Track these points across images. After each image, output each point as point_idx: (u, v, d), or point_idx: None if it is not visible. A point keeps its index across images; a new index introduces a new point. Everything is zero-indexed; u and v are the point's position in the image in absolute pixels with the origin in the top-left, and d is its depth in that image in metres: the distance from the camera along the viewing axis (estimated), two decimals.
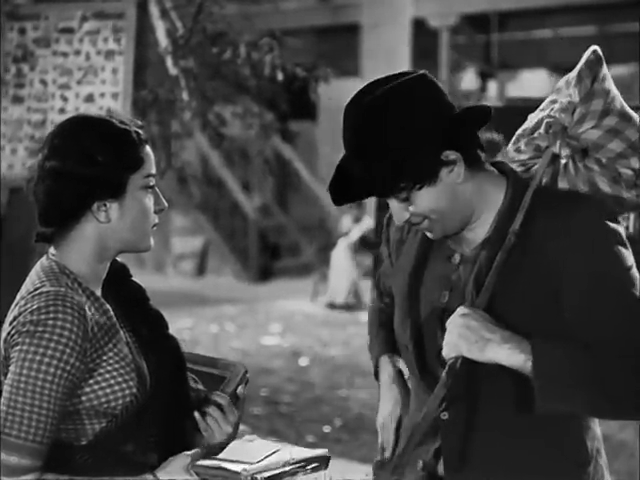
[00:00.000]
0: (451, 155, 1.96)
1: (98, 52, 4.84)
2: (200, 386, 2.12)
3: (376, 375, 2.35)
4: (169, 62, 5.52)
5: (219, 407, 2.05)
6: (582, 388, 1.91)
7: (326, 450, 2.15)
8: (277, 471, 2.04)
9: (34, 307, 1.88)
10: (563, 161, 2.08)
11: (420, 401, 2.12)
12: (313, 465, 2.11)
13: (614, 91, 2.09)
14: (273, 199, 16.11)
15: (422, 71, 2.01)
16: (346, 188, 2.01)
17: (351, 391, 7.60)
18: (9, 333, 1.90)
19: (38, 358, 1.85)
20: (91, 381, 1.91)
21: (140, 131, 2.00)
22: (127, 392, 1.93)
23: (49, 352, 1.85)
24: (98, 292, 2.00)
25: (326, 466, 2.14)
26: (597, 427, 2.12)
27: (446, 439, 2.05)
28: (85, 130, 1.97)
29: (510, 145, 2.15)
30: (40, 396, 1.85)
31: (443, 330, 1.98)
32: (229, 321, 10.93)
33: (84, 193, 1.94)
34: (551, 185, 2.10)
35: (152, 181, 2.00)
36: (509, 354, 1.91)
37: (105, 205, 1.95)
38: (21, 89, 4.99)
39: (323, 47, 15.44)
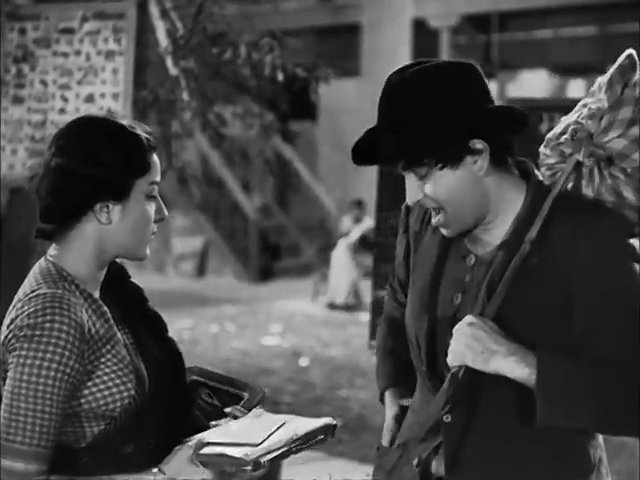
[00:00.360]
0: (478, 144, 1.96)
1: (98, 52, 4.84)
2: (215, 401, 2.12)
3: (381, 399, 2.35)
4: (169, 62, 5.52)
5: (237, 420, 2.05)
6: (585, 405, 1.90)
7: (331, 418, 2.12)
8: (280, 451, 2.02)
9: (31, 310, 1.88)
10: (587, 169, 2.05)
11: (424, 399, 2.11)
12: (318, 438, 2.08)
13: None
14: (273, 199, 16.11)
15: (472, 62, 2.02)
16: (370, 150, 2.01)
17: (351, 391, 7.60)
18: (7, 337, 1.90)
19: (38, 362, 1.85)
20: (89, 383, 1.91)
21: (150, 137, 2.00)
22: (125, 394, 1.92)
23: (48, 356, 1.85)
24: (96, 294, 2.00)
25: (333, 434, 2.11)
26: (599, 435, 2.11)
27: (448, 442, 2.04)
28: (95, 131, 1.97)
29: (541, 147, 2.13)
30: (42, 400, 1.84)
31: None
32: (229, 321, 10.93)
33: (88, 192, 1.94)
34: (575, 192, 2.07)
35: (156, 189, 2.00)
36: (514, 367, 1.90)
37: (107, 207, 1.95)
38: (21, 89, 4.99)
39: (323, 47, 15.44)
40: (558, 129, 2.11)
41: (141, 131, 1.99)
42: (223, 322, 10.85)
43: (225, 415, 2.06)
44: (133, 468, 1.93)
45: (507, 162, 2.03)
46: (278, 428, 2.05)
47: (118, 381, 1.92)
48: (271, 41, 5.60)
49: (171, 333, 2.13)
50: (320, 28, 15.98)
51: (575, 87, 15.83)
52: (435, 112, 1.94)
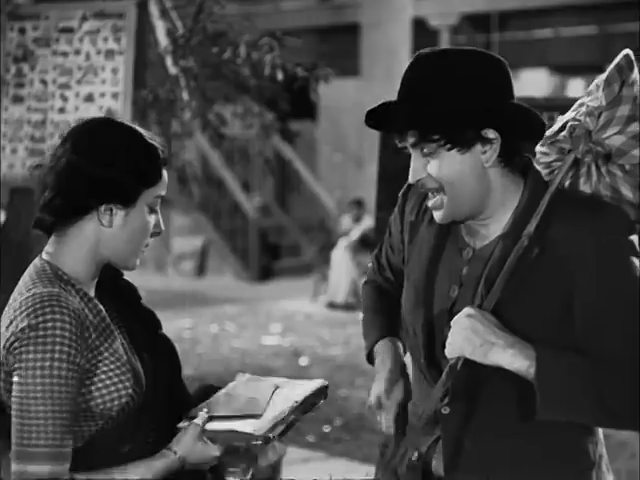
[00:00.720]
0: (491, 134, 1.96)
1: (98, 52, 4.84)
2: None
3: (369, 359, 2.30)
4: (169, 62, 5.52)
5: None
6: (584, 399, 1.91)
7: (322, 380, 2.13)
8: (286, 423, 2.03)
9: (29, 310, 1.88)
10: (586, 165, 2.06)
11: (422, 392, 2.11)
12: (316, 402, 2.10)
13: None
14: (273, 199, 16.11)
15: (502, 58, 2.03)
16: (385, 116, 2.01)
17: (351, 391, 7.60)
18: (8, 339, 1.89)
19: (48, 364, 1.85)
20: (87, 382, 1.90)
21: (165, 151, 2.02)
22: (123, 392, 1.92)
23: (56, 355, 1.85)
24: (91, 293, 2.00)
25: (326, 395, 2.12)
26: (600, 431, 2.11)
27: (446, 434, 2.04)
28: (115, 134, 1.99)
29: (537, 146, 2.13)
30: (59, 400, 1.84)
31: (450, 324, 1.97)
32: (229, 321, 10.93)
33: (96, 192, 1.95)
34: (572, 189, 2.08)
35: (158, 202, 2.02)
36: (513, 359, 1.90)
37: (112, 210, 1.96)
38: (21, 89, 4.99)
39: (323, 47, 15.44)
40: (555, 127, 2.12)
41: (157, 143, 2.01)
42: (223, 322, 10.85)
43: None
44: None
45: (514, 160, 2.03)
46: (273, 393, 2.06)
47: (116, 379, 1.92)
48: (271, 41, 5.60)
49: (171, 333, 2.13)
50: (320, 28, 15.97)
51: (575, 86, 15.83)
52: (458, 91, 1.95)
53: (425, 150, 1.99)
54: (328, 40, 15.94)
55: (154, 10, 5.54)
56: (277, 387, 2.10)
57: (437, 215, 2.05)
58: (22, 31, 5.02)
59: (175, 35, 5.60)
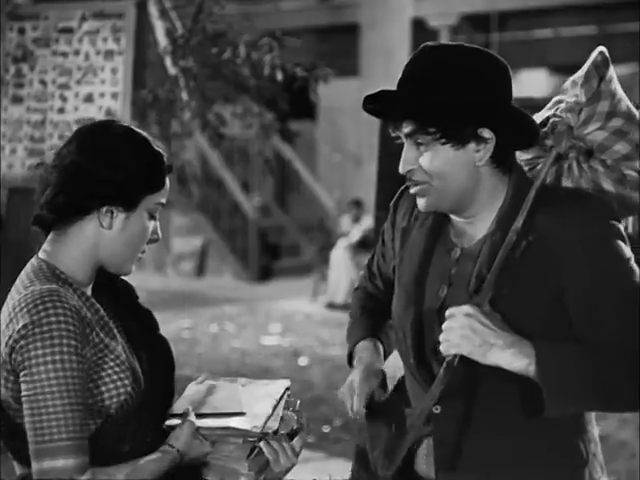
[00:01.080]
0: (486, 133, 1.97)
1: (97, 52, 4.84)
2: None
3: (349, 361, 2.29)
4: (168, 62, 5.52)
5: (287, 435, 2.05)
6: (589, 388, 1.91)
7: (287, 380, 2.14)
8: (278, 419, 2.04)
9: (29, 306, 1.88)
10: (567, 162, 2.08)
11: (414, 395, 2.11)
12: (287, 398, 2.11)
13: (620, 93, 2.09)
14: (273, 199, 16.10)
15: (505, 61, 2.05)
16: (383, 103, 2.02)
17: None
18: (10, 337, 1.89)
19: (58, 357, 1.85)
20: (89, 379, 1.91)
21: (170, 159, 2.04)
22: (122, 390, 1.93)
23: (64, 349, 1.85)
24: (89, 292, 2.00)
25: (289, 395, 2.13)
26: (594, 429, 2.12)
27: (438, 433, 2.04)
28: (121, 137, 2.00)
29: None
30: (74, 392, 1.85)
31: (440, 324, 1.97)
32: (229, 321, 10.93)
33: (99, 193, 1.95)
34: (555, 184, 2.10)
35: (159, 209, 2.03)
36: (512, 360, 1.91)
37: (112, 212, 1.97)
38: (21, 89, 4.99)
39: (323, 47, 15.43)
40: None
41: (163, 150, 2.02)
42: (222, 322, 10.85)
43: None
44: None
45: (505, 162, 2.04)
46: (241, 392, 2.07)
47: (115, 377, 1.93)
48: (270, 41, 5.60)
49: (170, 333, 2.13)
50: (319, 28, 15.96)
51: None
52: (459, 86, 1.96)
53: (419, 141, 1.99)
54: (327, 40, 15.93)
55: (153, 10, 5.54)
56: (242, 384, 2.12)
57: (420, 202, 2.06)
58: (21, 31, 5.02)
59: (174, 35, 5.60)
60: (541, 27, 15.47)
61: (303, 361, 8.79)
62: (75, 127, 2.08)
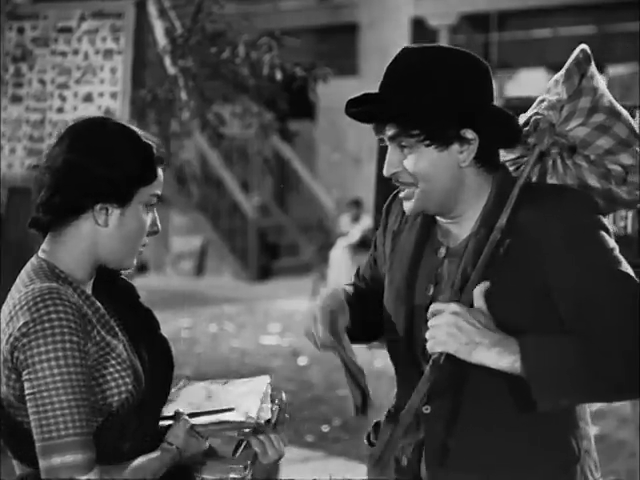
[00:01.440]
0: (469, 134, 1.98)
1: (97, 51, 4.84)
2: None
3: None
4: (168, 61, 5.52)
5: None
6: (579, 378, 1.90)
7: (267, 376, 2.15)
8: (270, 412, 2.05)
9: (30, 304, 1.88)
10: (551, 159, 2.09)
11: (404, 393, 2.11)
12: (271, 392, 2.12)
13: (602, 88, 2.10)
14: (272, 199, 16.10)
15: (486, 62, 2.06)
16: (365, 106, 2.03)
17: None
18: (11, 335, 1.89)
19: (61, 354, 1.85)
20: (91, 376, 1.91)
21: (161, 150, 2.03)
22: (123, 389, 1.93)
23: (67, 345, 1.85)
24: (89, 291, 2.01)
25: (272, 390, 2.14)
26: (589, 427, 2.12)
27: (428, 433, 2.05)
28: (110, 133, 2.00)
29: None
30: (79, 388, 1.85)
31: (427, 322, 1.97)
32: (228, 321, 10.93)
33: (92, 191, 1.95)
34: (540, 182, 2.11)
35: (154, 201, 2.03)
36: (498, 358, 1.90)
37: (107, 209, 1.97)
38: (20, 88, 4.99)
39: (322, 47, 15.42)
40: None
41: (153, 142, 2.02)
42: (222, 321, 10.85)
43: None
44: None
45: (489, 163, 2.06)
46: (223, 391, 2.08)
47: (117, 375, 1.93)
48: (270, 40, 5.60)
49: (170, 332, 2.13)
50: (319, 27, 15.95)
51: None
52: (441, 88, 1.97)
53: (403, 144, 2.00)
54: (327, 40, 15.93)
55: (153, 10, 5.54)
56: (225, 383, 2.13)
57: (407, 205, 2.07)
58: (21, 31, 5.02)
59: (174, 35, 5.60)
60: (540, 27, 15.47)
61: (302, 361, 8.79)
62: None
